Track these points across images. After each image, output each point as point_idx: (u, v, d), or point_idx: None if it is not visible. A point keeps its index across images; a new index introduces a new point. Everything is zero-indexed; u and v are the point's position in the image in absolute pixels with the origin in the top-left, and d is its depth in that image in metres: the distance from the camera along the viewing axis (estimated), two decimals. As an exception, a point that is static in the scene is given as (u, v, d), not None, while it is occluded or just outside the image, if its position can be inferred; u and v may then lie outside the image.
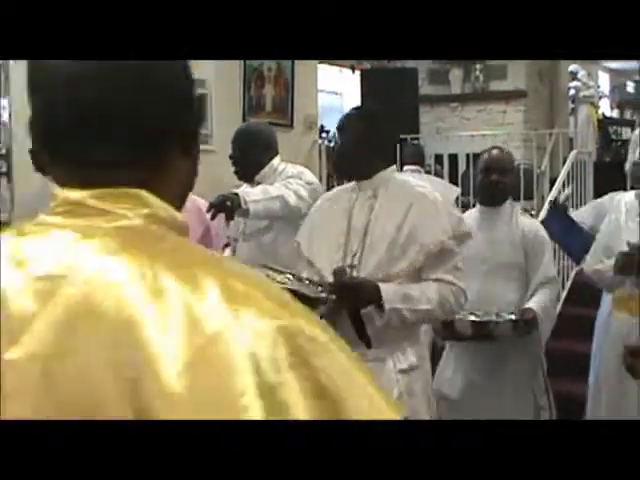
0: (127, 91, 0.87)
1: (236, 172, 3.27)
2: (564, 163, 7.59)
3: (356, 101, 7.85)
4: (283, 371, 0.75)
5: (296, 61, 6.02)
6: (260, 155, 3.21)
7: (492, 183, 3.17)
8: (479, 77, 9.00)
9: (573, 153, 7.91)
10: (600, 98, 13.36)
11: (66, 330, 0.77)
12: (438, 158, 7.34)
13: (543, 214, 5.02)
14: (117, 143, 0.86)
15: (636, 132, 6.76)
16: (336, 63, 9.08)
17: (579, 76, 11.73)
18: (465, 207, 4.91)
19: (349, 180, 2.55)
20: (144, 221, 0.83)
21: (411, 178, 2.72)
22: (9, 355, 0.78)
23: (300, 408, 0.79)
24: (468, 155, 6.79)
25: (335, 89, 9.50)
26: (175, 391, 0.76)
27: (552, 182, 7.57)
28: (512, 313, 3.03)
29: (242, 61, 5.68)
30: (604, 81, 15.63)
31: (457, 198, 5.02)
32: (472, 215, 3.25)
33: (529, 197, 6.89)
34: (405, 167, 5.68)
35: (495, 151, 3.29)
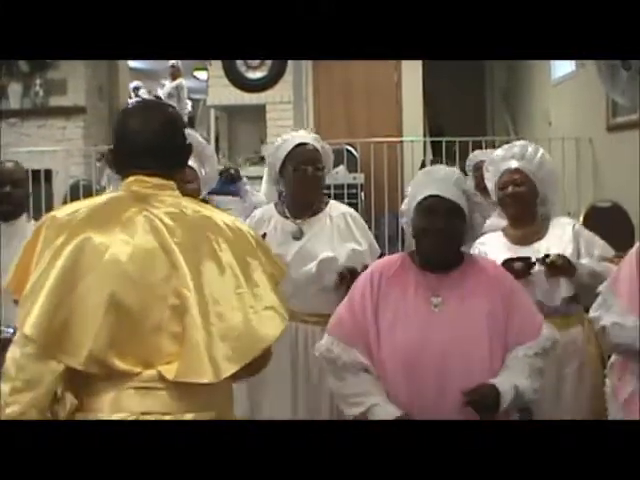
0: (163, 136, 1.93)
1: None
2: (123, 178, 7.98)
3: None
4: None
5: None
6: None
7: (3, 195, 3.19)
8: (39, 92, 8.87)
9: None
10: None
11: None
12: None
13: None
14: (157, 161, 1.90)
15: None
16: None
17: (140, 93, 12.25)
18: None
19: None
20: (179, 193, 1.95)
21: None
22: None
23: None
24: (27, 171, 6.72)
25: None
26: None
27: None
28: (13, 328, 2.90)
29: None
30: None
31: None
32: None
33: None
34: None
35: (9, 164, 3.36)
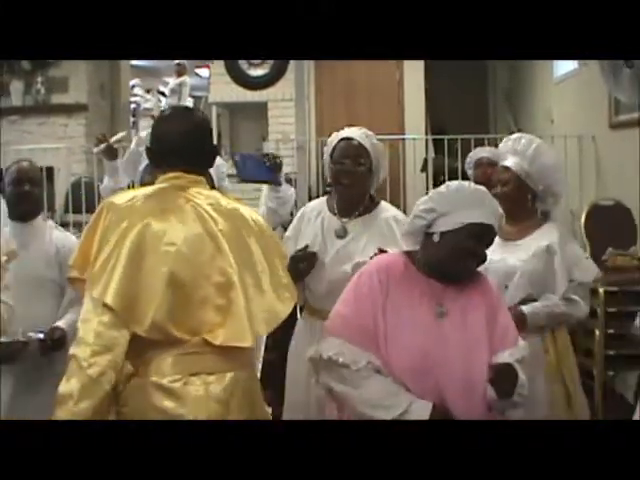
0: (193, 139, 2.24)
1: None
2: (125, 176, 8.02)
3: None
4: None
5: None
6: None
7: (23, 194, 3.14)
8: (40, 90, 8.87)
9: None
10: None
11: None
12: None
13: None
14: (188, 160, 2.23)
15: None
16: None
17: (135, 91, 12.29)
18: None
19: None
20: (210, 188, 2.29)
21: None
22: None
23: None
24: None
25: None
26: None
27: (113, 195, 7.89)
28: (41, 332, 2.98)
29: None
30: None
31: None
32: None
33: (90, 211, 7.05)
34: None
35: (25, 163, 3.26)
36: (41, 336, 2.97)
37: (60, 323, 3.03)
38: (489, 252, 2.92)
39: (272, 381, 3.25)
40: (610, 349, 5.03)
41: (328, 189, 7.50)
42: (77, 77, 8.78)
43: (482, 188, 2.39)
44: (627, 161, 5.58)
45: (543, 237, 3.03)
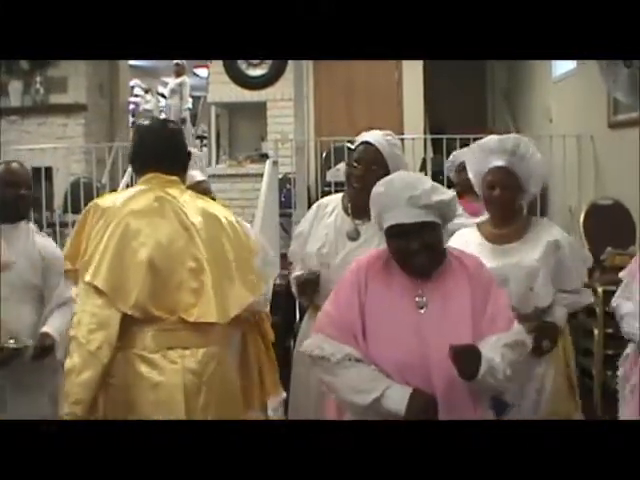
0: (172, 144, 2.63)
1: None
2: (124, 176, 7.99)
3: None
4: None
5: None
6: None
7: (19, 198, 3.08)
8: (39, 90, 8.87)
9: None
10: (161, 112, 14.13)
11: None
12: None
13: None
14: (164, 164, 2.56)
15: None
16: None
17: (135, 91, 12.29)
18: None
19: None
20: (185, 188, 2.63)
21: None
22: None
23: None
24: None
25: None
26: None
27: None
28: (29, 338, 2.93)
29: None
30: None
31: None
32: None
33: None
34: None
35: (16, 165, 3.19)
36: (12, 342, 2.91)
37: (49, 330, 3.01)
38: (489, 263, 2.71)
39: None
40: (609, 349, 5.03)
41: (326, 189, 7.50)
42: (76, 77, 8.78)
43: (390, 186, 2.29)
44: (626, 160, 5.58)
45: (544, 233, 2.99)
